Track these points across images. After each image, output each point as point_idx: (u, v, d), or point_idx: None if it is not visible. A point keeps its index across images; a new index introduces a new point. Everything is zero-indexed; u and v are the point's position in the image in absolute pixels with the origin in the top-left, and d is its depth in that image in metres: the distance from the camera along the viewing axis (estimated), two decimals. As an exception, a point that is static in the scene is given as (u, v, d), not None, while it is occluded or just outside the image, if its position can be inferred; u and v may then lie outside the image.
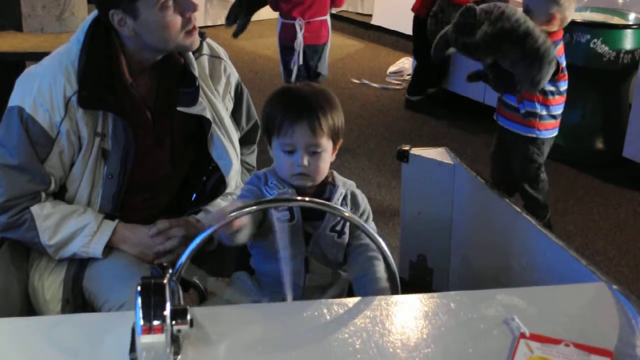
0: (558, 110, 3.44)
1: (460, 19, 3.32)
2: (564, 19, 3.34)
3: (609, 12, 4.59)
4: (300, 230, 1.81)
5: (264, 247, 1.82)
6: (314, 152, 1.77)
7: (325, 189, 1.86)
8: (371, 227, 1.79)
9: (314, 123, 1.75)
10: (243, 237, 1.71)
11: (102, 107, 1.88)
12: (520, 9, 3.30)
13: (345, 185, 1.89)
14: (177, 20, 1.87)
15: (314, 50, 4.71)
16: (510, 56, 3.28)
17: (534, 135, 3.43)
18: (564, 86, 3.42)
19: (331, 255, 1.86)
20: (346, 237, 1.87)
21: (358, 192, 1.92)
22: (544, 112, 3.40)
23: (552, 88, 3.38)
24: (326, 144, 1.79)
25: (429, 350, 1.39)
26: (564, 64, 3.36)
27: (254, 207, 1.64)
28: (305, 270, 1.83)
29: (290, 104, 1.78)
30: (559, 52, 3.35)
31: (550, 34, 3.34)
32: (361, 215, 1.88)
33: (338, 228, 1.84)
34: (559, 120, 3.47)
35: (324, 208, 1.71)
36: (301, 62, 4.66)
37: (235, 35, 4.80)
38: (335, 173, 1.91)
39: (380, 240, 1.67)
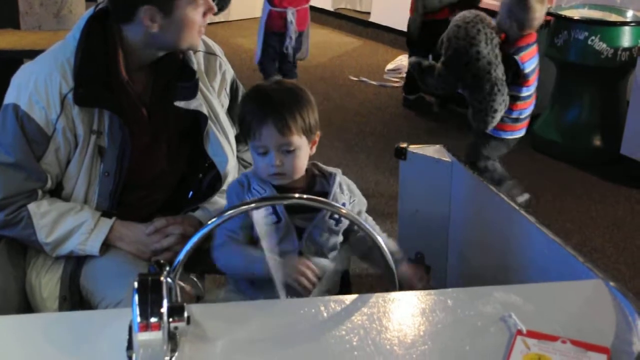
0: (518, 114, 3.55)
1: (414, 71, 3.54)
2: (525, 26, 3.36)
3: (606, 9, 4.60)
4: (291, 228, 1.81)
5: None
6: (287, 151, 1.77)
7: (314, 181, 1.86)
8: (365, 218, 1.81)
9: (280, 123, 1.74)
10: None
11: (98, 104, 1.88)
12: (480, 35, 3.37)
13: (337, 172, 1.89)
14: (200, 19, 1.90)
15: (297, 35, 5.22)
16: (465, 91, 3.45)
17: (490, 134, 3.48)
18: (526, 92, 3.49)
19: (326, 243, 1.86)
20: (345, 223, 1.86)
21: (344, 178, 1.91)
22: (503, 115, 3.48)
23: (512, 93, 3.42)
24: (299, 141, 1.77)
25: (426, 347, 1.39)
26: (528, 69, 3.40)
27: (251, 206, 1.67)
28: None
29: (257, 105, 1.78)
30: (524, 58, 3.39)
31: (520, 38, 3.37)
32: (355, 202, 1.89)
33: (337, 215, 1.83)
34: (523, 123, 3.57)
35: (323, 206, 1.71)
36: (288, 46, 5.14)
37: (220, 10, 4.99)
38: (318, 163, 1.90)
39: (378, 236, 1.67)
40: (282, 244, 1.80)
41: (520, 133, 3.63)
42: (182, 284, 1.76)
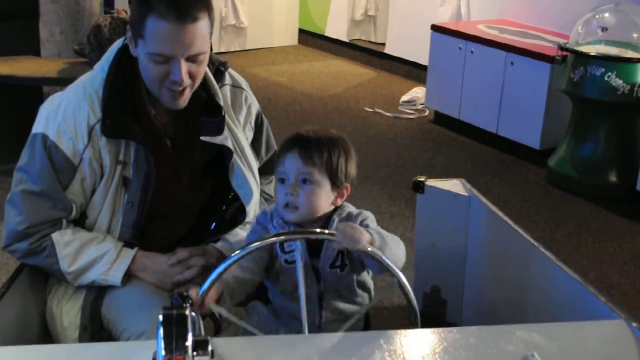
0: None
1: None
2: None
3: (623, 45, 4.60)
4: (310, 269, 1.79)
5: (277, 286, 1.83)
6: (304, 181, 1.76)
7: (330, 222, 1.82)
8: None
9: (304, 151, 1.76)
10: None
11: (125, 135, 1.89)
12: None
13: (349, 208, 1.85)
14: (160, 73, 1.85)
15: None
16: None
17: None
18: None
19: (343, 290, 1.84)
20: (350, 268, 1.81)
21: (368, 213, 1.85)
22: None
23: None
24: (319, 177, 1.76)
25: (448, 385, 1.39)
26: None
27: (272, 240, 1.68)
28: (319, 307, 1.81)
29: (290, 138, 1.81)
30: None
31: None
32: (364, 221, 1.81)
33: (338, 263, 1.80)
34: None
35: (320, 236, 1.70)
36: None
37: None
38: (349, 205, 1.86)
39: (399, 272, 1.67)
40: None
41: None
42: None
